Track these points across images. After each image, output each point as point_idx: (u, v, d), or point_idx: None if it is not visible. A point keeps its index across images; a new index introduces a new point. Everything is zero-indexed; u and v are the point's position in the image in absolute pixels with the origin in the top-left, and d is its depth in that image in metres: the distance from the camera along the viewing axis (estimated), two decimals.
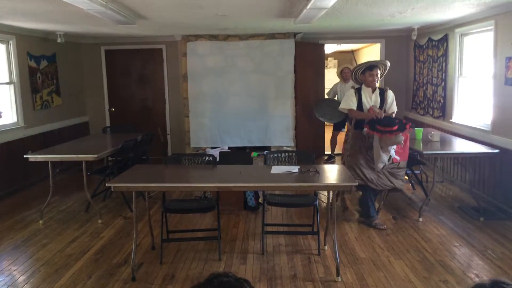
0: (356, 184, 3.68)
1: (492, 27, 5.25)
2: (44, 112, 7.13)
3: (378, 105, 4.68)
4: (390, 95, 4.75)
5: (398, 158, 4.59)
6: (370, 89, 4.71)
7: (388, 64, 4.79)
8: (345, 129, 8.57)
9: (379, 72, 4.67)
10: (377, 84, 4.86)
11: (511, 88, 4.86)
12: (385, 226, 4.65)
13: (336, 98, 7.86)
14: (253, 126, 8.04)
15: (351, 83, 7.58)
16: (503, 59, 4.99)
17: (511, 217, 4.81)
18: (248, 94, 8.00)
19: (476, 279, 3.52)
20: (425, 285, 3.44)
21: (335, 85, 7.97)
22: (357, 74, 4.78)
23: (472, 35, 6.02)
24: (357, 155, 4.69)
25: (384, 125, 4.37)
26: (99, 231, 4.75)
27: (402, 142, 4.46)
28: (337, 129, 7.93)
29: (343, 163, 4.89)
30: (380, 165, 4.53)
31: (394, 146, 4.50)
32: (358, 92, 4.73)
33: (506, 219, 4.80)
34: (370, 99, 4.70)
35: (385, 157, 4.51)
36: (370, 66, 4.67)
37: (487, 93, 5.43)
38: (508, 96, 4.94)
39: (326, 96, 8.19)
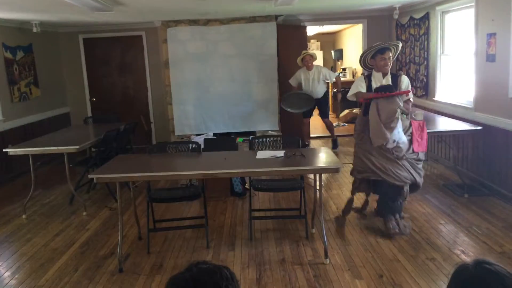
0: (340, 166, 3.64)
1: (473, 4, 5.23)
2: (23, 104, 6.97)
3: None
4: (405, 80, 4.14)
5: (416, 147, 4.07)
6: (380, 74, 4.15)
7: (400, 44, 4.24)
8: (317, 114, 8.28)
9: (391, 54, 4.10)
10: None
11: (493, 65, 4.87)
12: (408, 231, 4.03)
13: (303, 89, 7.24)
14: (238, 111, 7.98)
15: (314, 70, 7.16)
16: (484, 35, 4.99)
17: (494, 193, 4.87)
18: (231, 79, 7.92)
19: (462, 256, 3.56)
20: (412, 264, 3.47)
21: (298, 72, 7.29)
22: (366, 60, 4.23)
23: (453, 13, 6.01)
24: (366, 144, 4.09)
25: (381, 91, 4.00)
26: (84, 224, 4.68)
27: (399, 110, 3.90)
28: (306, 116, 7.50)
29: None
30: (379, 141, 3.92)
31: (400, 129, 3.94)
32: (368, 78, 4.19)
33: (490, 195, 4.86)
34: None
35: (387, 133, 3.88)
36: (381, 49, 4.10)
37: (469, 70, 5.45)
38: (490, 73, 4.96)
39: (290, 82, 7.38)
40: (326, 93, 7.42)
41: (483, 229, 4.04)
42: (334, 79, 7.41)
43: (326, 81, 7.33)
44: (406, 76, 4.24)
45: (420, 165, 4.12)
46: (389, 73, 4.16)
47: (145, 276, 3.49)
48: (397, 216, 4.08)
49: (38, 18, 6.60)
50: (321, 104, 7.42)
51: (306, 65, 7.19)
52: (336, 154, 6.70)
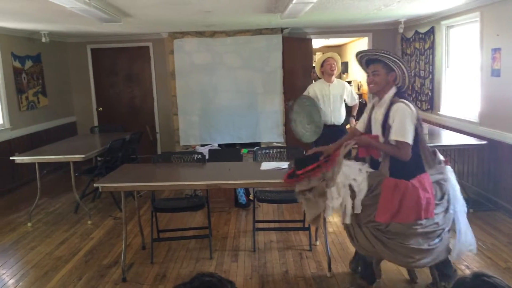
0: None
1: (477, 19, 5.26)
2: (30, 113, 7.04)
3: (380, 123, 3.02)
4: (395, 109, 2.92)
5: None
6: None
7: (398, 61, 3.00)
8: None
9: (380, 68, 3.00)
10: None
11: (498, 80, 4.88)
12: None
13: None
14: (243, 122, 8.01)
15: (337, 84, 5.39)
16: (489, 50, 5.01)
17: (500, 208, 4.85)
18: (236, 90, 7.96)
19: (467, 271, 3.54)
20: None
21: (311, 86, 5.50)
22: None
23: (458, 27, 6.04)
24: None
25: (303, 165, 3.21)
26: (89, 232, 4.70)
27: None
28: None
29: None
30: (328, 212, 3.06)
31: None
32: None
33: (495, 210, 4.84)
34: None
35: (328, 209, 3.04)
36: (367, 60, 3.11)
37: (474, 84, 5.46)
38: (495, 88, 4.97)
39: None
40: (345, 120, 5.48)
41: (488, 244, 4.02)
42: (356, 102, 5.62)
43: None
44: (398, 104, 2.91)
45: (402, 241, 2.88)
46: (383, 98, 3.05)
47: (148, 286, 3.50)
48: None
49: (47, 28, 6.69)
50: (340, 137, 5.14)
51: (326, 74, 5.29)
52: None
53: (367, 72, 3.09)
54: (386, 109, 2.94)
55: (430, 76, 6.72)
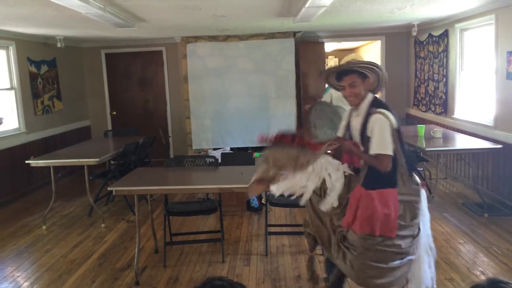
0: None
1: (492, 21, 5.21)
2: (46, 117, 7.14)
3: (358, 132, 2.80)
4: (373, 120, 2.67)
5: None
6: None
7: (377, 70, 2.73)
8: None
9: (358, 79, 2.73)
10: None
11: None
12: None
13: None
14: (255, 126, 8.02)
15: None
16: (504, 53, 4.95)
17: None
18: (249, 94, 7.98)
19: (482, 276, 3.49)
20: None
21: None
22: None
23: (473, 30, 5.98)
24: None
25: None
26: (102, 236, 4.74)
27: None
28: None
29: None
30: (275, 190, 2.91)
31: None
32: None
33: (510, 215, 4.77)
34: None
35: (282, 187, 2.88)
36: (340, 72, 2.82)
37: (489, 88, 5.40)
38: (510, 91, 4.91)
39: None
40: None
41: (503, 249, 3.96)
42: None
43: None
44: (376, 115, 2.65)
45: (355, 253, 2.66)
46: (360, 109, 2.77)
47: None
48: None
49: (62, 34, 6.79)
50: None
51: None
52: None
53: (338, 86, 2.85)
54: (363, 118, 2.73)
55: (444, 80, 6.65)
